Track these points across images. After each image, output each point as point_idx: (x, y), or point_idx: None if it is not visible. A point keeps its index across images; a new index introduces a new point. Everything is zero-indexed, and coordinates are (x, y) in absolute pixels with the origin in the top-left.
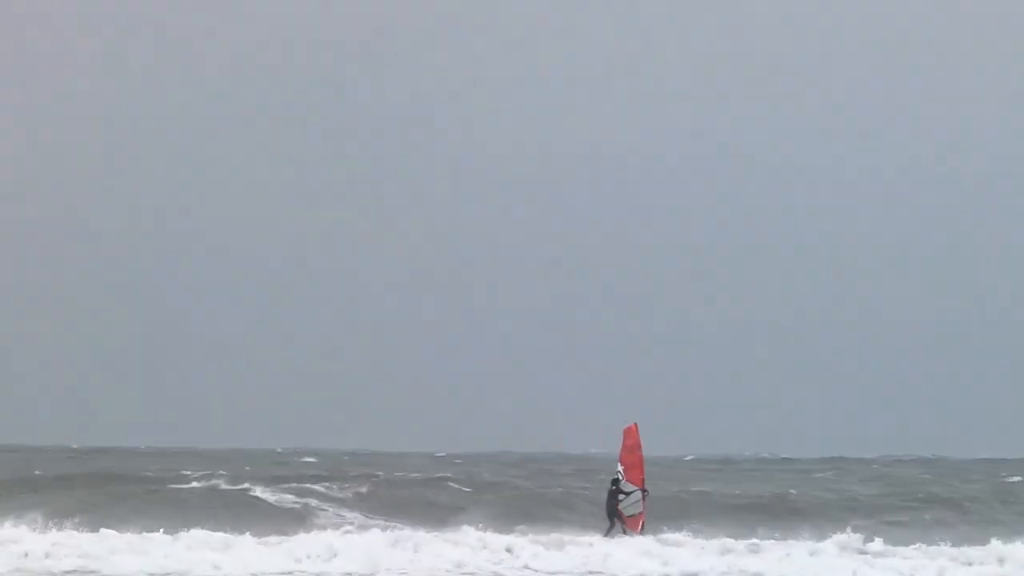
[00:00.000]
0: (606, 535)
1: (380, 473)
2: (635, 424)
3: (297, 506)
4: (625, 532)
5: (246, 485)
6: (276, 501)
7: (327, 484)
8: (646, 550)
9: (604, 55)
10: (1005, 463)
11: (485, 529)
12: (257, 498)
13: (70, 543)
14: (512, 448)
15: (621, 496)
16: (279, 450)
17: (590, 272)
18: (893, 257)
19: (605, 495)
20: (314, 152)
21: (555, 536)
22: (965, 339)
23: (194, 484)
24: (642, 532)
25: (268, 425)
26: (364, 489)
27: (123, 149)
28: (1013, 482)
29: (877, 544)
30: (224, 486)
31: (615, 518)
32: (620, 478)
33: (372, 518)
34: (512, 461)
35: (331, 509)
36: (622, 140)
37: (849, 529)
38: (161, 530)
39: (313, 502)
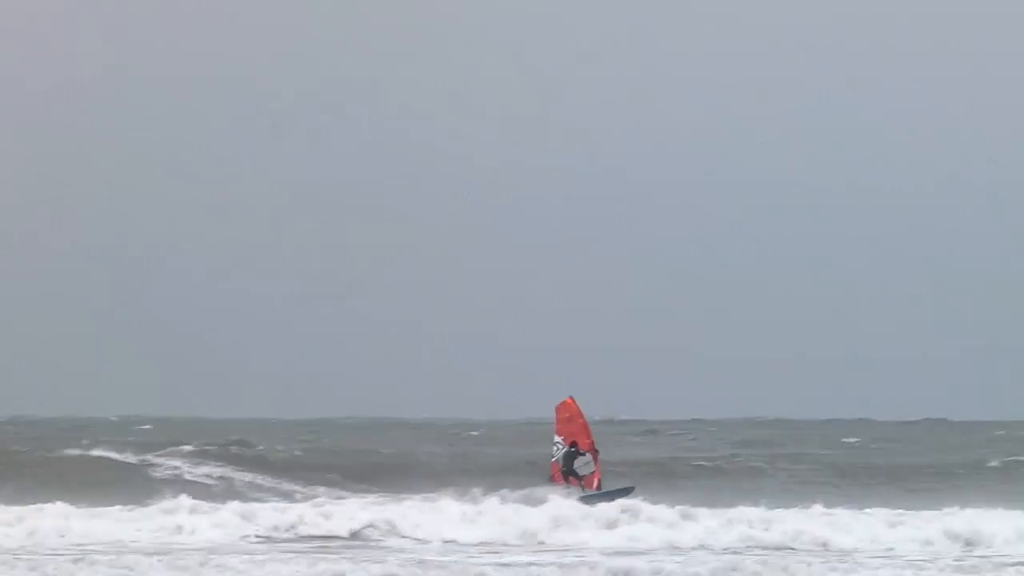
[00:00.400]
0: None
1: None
2: (571, 398)
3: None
4: (583, 490)
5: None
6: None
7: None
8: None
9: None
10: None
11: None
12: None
13: None
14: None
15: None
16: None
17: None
18: None
19: (561, 457)
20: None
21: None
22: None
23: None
24: (599, 488)
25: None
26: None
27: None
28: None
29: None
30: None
31: (570, 478)
32: (562, 445)
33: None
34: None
35: None
36: None
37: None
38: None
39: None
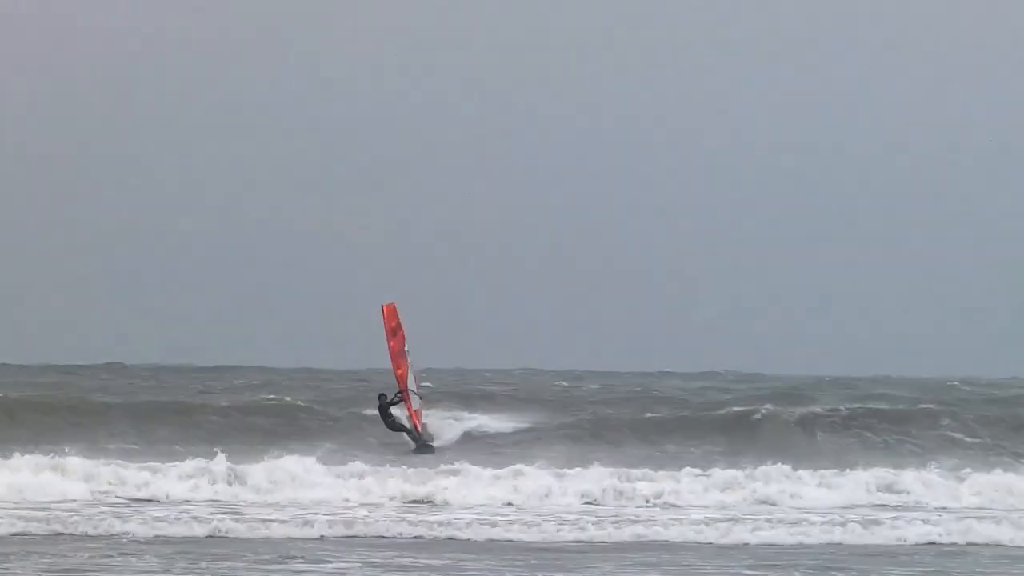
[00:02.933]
0: (417, 449)
1: None
2: (392, 304)
3: None
4: (417, 438)
5: None
6: None
7: None
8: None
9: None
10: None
11: None
12: None
13: None
14: None
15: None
16: None
17: None
18: None
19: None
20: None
21: None
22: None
23: None
24: (421, 427)
25: None
26: None
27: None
28: None
29: None
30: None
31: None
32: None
33: None
34: None
35: None
36: None
37: None
38: None
39: None
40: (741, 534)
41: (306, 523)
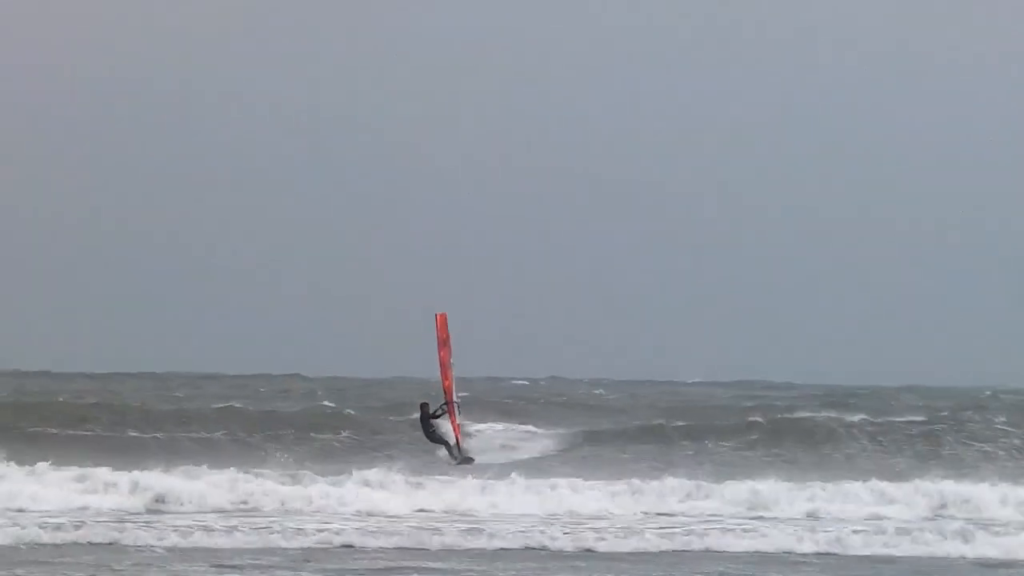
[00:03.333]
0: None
1: None
2: (444, 313)
3: None
4: (455, 452)
5: None
6: None
7: None
8: None
9: None
10: None
11: None
12: None
13: None
14: None
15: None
16: None
17: None
18: None
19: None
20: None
21: None
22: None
23: None
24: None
25: None
26: None
27: None
28: None
29: None
30: None
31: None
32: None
33: None
34: None
35: None
36: None
37: None
38: None
39: None
40: None
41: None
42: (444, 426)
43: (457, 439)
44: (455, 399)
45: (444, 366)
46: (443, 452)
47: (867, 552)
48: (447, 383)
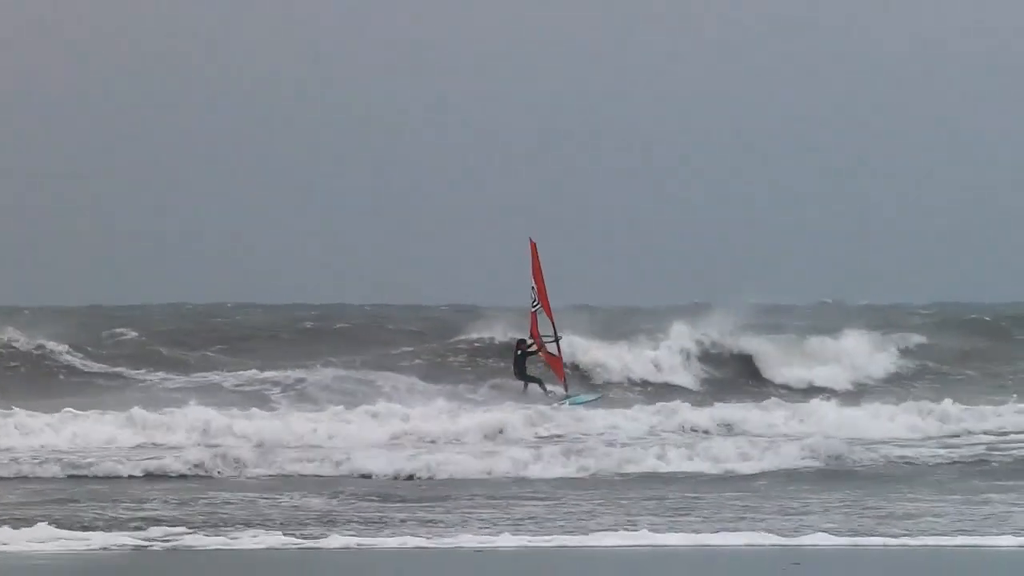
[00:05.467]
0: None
1: None
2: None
3: None
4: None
5: None
6: None
7: None
8: None
9: None
10: None
11: None
12: None
13: None
14: None
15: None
16: None
17: None
18: None
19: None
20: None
21: None
22: None
23: None
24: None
25: None
26: None
27: None
28: None
29: None
30: None
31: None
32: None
33: None
34: None
35: None
36: None
37: None
38: None
39: None
40: None
41: None
42: (535, 363)
43: (561, 375)
44: (558, 334)
45: (543, 295)
46: (535, 388)
47: None
48: (550, 315)
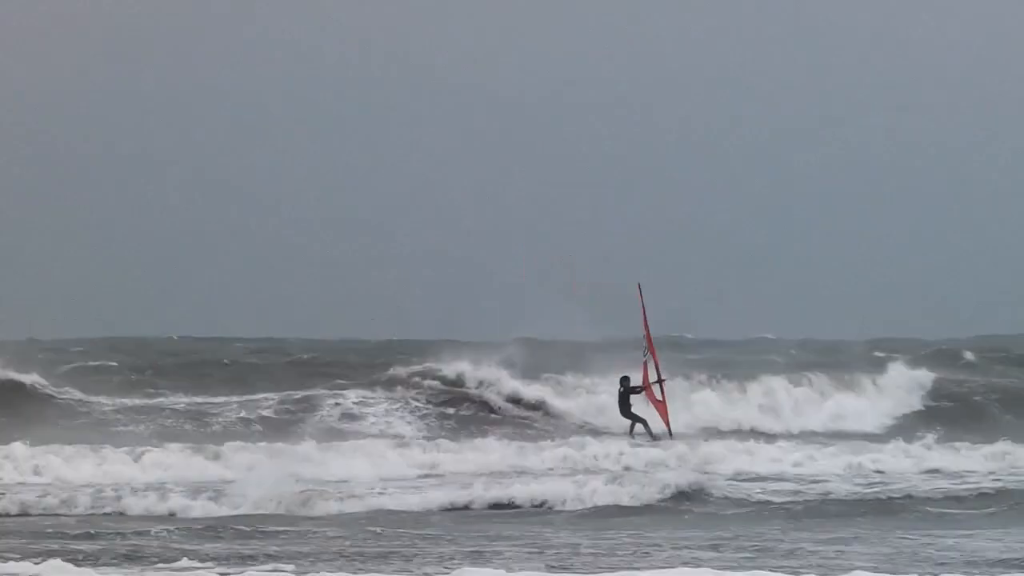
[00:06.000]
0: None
1: None
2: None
3: None
4: (651, 433)
5: None
6: None
7: None
8: None
9: None
10: None
11: None
12: None
13: None
14: None
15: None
16: None
17: None
18: None
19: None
20: None
21: None
22: None
23: None
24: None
25: None
26: None
27: None
28: None
29: None
30: None
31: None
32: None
33: None
34: None
35: None
36: None
37: None
38: None
39: None
40: None
41: None
42: (640, 403)
43: (667, 419)
44: (662, 376)
45: (650, 337)
46: (640, 428)
47: None
48: (655, 358)
